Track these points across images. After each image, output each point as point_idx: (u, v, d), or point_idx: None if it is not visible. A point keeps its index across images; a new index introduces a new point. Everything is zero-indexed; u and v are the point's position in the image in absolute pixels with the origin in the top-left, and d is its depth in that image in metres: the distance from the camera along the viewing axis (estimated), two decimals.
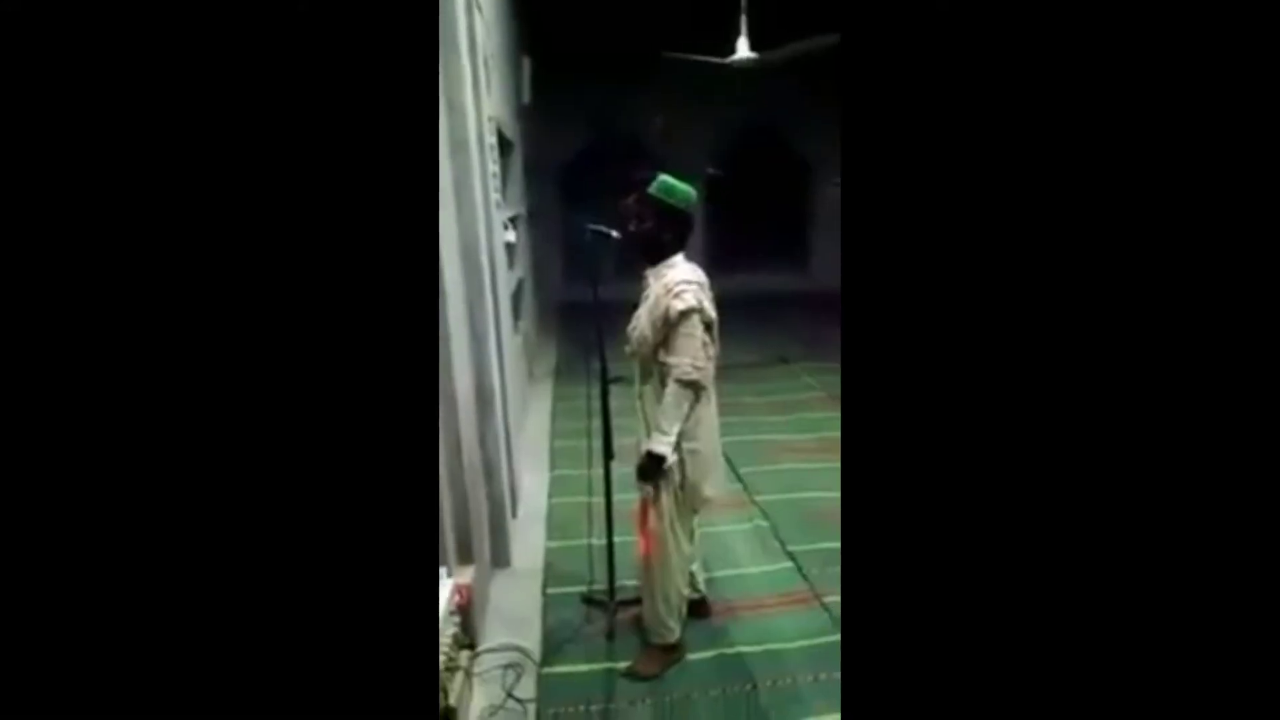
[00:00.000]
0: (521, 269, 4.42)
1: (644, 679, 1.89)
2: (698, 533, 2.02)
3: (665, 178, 1.82)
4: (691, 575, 2.05)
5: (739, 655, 1.99)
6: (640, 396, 1.90)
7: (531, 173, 5.70)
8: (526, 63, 4.89)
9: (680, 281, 1.74)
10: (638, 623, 2.05)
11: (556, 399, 4.45)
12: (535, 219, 6.03)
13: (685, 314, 1.71)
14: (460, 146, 2.11)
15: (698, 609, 2.12)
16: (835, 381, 4.48)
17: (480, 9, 2.57)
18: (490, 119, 2.61)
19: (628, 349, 1.89)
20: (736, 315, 1.85)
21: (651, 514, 1.87)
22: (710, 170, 7.87)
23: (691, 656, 1.97)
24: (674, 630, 1.94)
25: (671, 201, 1.80)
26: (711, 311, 1.78)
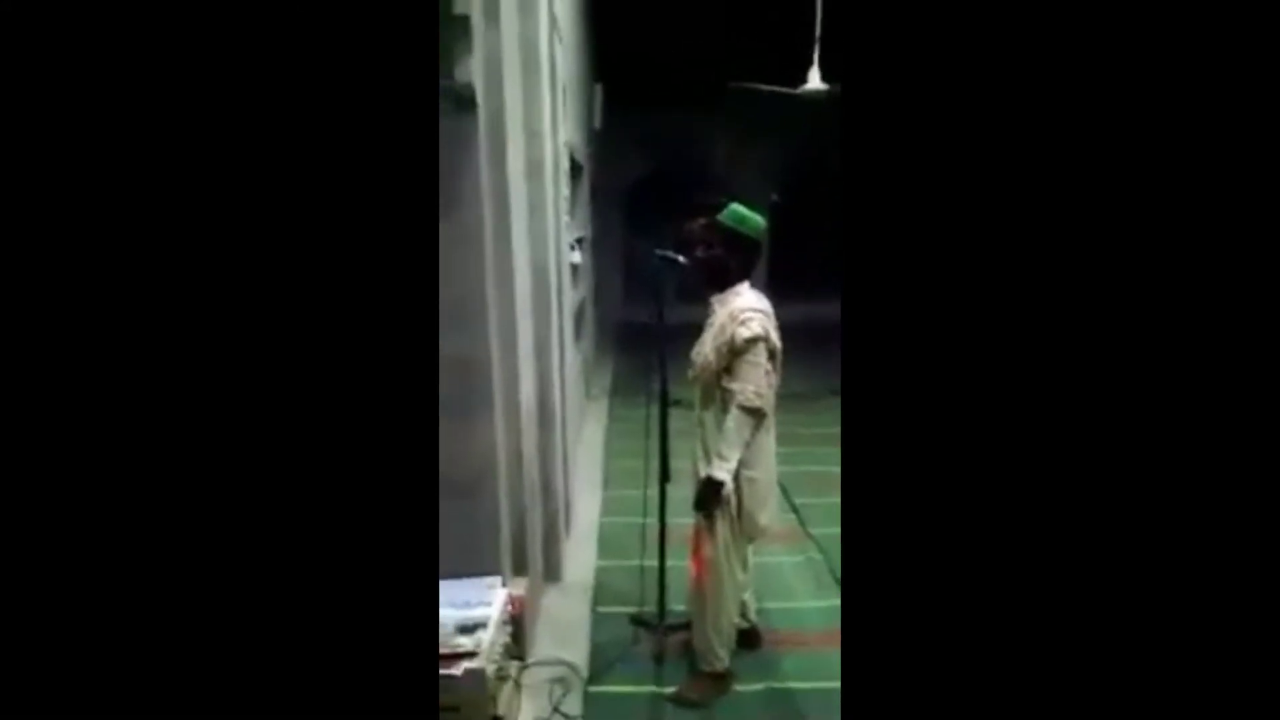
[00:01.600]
0: (584, 289, 4.51)
1: (691, 705, 1.88)
2: (751, 561, 2.00)
3: (736, 206, 1.85)
4: (743, 604, 2.03)
5: (789, 690, 1.95)
6: (700, 422, 1.91)
7: (597, 195, 5.83)
8: (598, 89, 5.04)
9: (747, 309, 1.76)
10: (686, 649, 2.03)
11: (612, 418, 4.49)
12: (599, 241, 6.15)
13: (751, 341, 1.73)
14: (536, 169, 2.19)
15: (748, 639, 2.09)
16: None
17: (561, 38, 2.67)
18: (564, 144, 2.70)
19: (691, 373, 1.91)
20: (791, 344, 1.85)
21: (706, 541, 1.87)
22: (774, 198, 7.86)
23: (741, 688, 1.95)
24: (723, 658, 1.92)
25: (742, 230, 1.82)
26: (776, 340, 1.79)
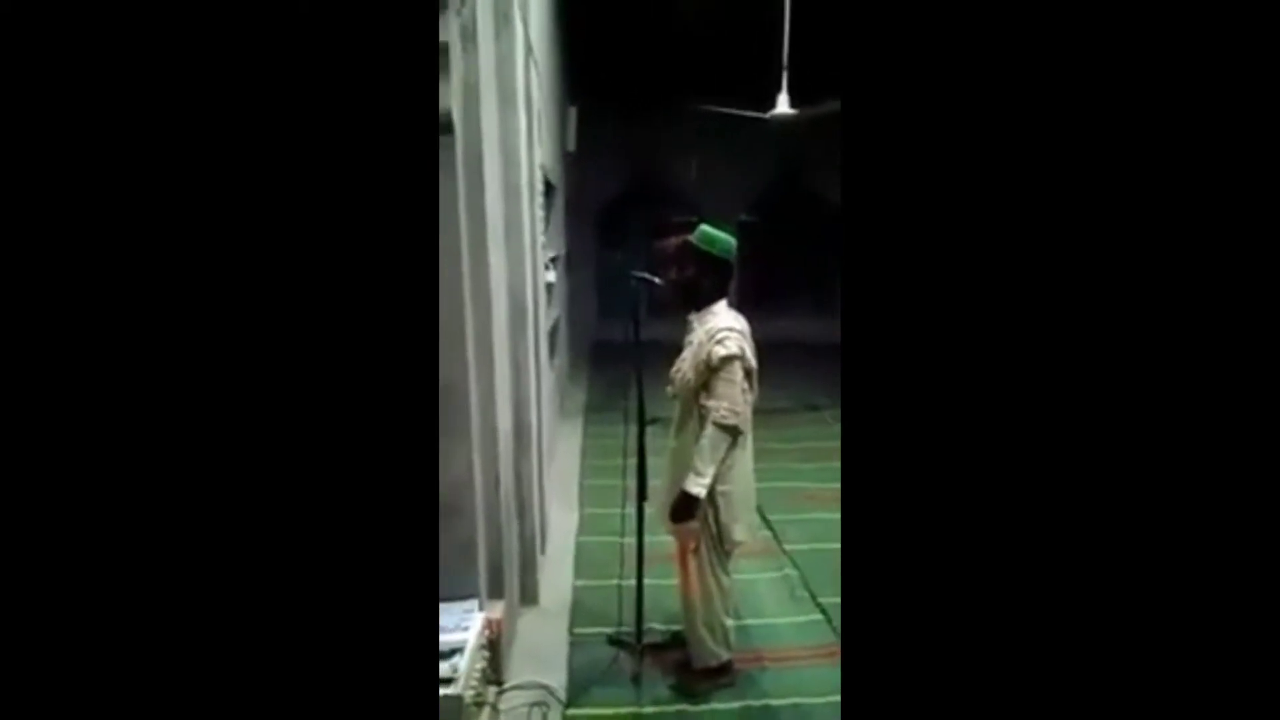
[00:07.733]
0: (558, 307, 4.52)
1: (689, 694, 1.96)
2: (729, 585, 2.04)
3: (706, 228, 1.89)
4: (725, 628, 2.05)
5: (766, 708, 1.96)
6: (675, 438, 1.94)
7: (570, 213, 5.86)
8: (572, 111, 5.08)
9: (723, 328, 1.81)
10: (665, 667, 2.05)
11: (586, 436, 4.49)
12: (573, 258, 6.17)
13: (726, 360, 1.77)
14: (513, 193, 2.21)
15: (723, 669, 2.08)
16: None
17: (536, 63, 2.71)
18: (540, 166, 2.72)
19: (670, 390, 1.95)
20: (766, 361, 1.90)
21: (689, 553, 1.93)
22: (744, 217, 7.98)
23: (718, 706, 1.95)
24: (719, 654, 2.00)
25: (713, 251, 1.87)
26: (752, 359, 1.83)
